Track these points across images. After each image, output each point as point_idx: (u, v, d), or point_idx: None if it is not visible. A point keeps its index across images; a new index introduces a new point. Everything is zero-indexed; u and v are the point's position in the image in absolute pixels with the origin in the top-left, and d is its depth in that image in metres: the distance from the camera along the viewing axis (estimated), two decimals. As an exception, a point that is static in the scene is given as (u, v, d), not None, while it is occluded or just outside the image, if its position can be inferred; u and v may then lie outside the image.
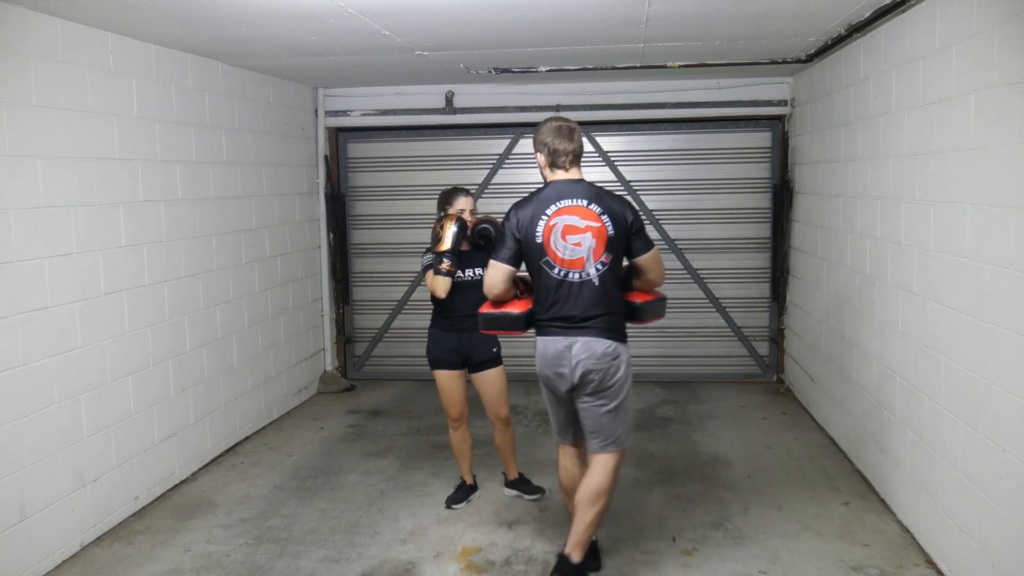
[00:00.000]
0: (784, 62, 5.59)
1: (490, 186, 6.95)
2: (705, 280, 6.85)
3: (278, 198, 6.18)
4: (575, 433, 3.55)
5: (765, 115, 6.67)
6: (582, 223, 3.27)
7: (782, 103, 6.57)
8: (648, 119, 6.75)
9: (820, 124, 5.69)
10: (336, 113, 6.94)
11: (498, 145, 7.02)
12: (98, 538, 4.13)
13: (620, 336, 3.38)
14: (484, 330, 3.57)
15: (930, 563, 3.69)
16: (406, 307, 7.24)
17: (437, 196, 4.28)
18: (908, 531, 3.99)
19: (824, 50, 5.09)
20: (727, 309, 6.93)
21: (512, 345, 7.28)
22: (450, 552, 3.93)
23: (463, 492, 4.50)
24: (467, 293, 4.16)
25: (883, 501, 4.34)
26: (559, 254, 3.28)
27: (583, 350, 3.29)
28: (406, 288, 7.21)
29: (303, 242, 6.64)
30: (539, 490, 4.44)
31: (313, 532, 4.17)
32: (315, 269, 6.89)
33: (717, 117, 6.71)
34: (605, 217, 3.28)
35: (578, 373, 3.30)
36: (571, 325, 3.31)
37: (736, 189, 6.80)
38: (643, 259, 3.38)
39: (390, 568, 3.79)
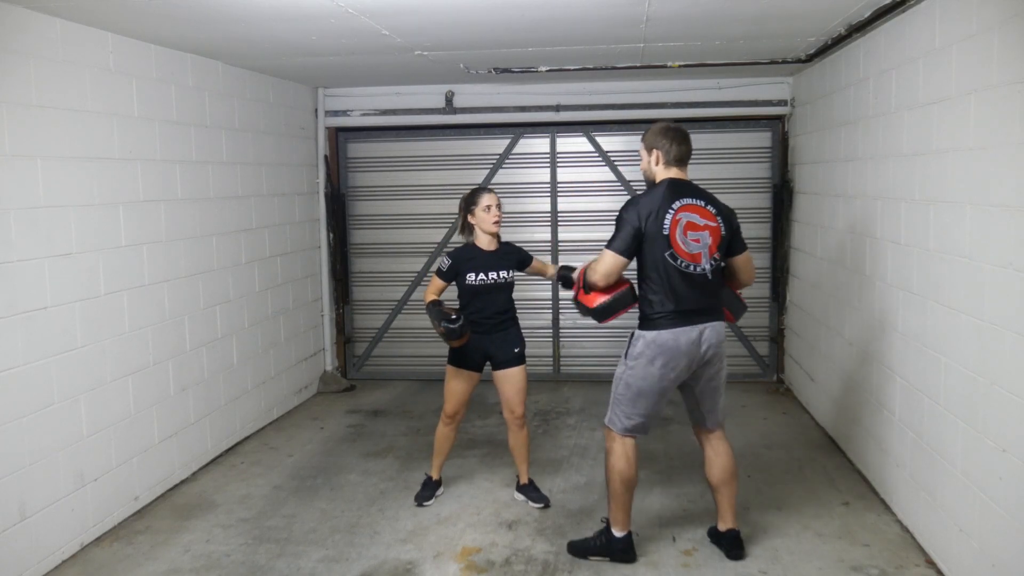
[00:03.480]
0: (784, 62, 5.59)
1: (490, 186, 6.93)
2: (705, 280, 6.85)
3: (278, 198, 6.18)
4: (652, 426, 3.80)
5: (765, 115, 6.67)
6: (701, 221, 3.54)
7: (782, 103, 6.57)
8: (648, 119, 6.73)
9: (820, 124, 5.69)
10: (336, 113, 6.94)
11: (498, 145, 7.02)
12: (98, 538, 4.13)
13: (723, 319, 3.72)
14: (604, 319, 3.71)
15: (930, 563, 3.69)
16: (406, 307, 7.24)
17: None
18: (908, 531, 3.99)
19: (824, 50, 5.09)
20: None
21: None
22: (450, 552, 3.93)
23: (431, 488, 4.53)
24: (494, 295, 4.27)
25: (883, 501, 4.34)
26: (683, 248, 3.50)
27: (712, 335, 3.58)
28: (406, 288, 7.21)
29: (303, 242, 6.64)
30: (544, 499, 4.43)
31: (313, 532, 4.17)
32: (315, 269, 6.89)
33: (717, 117, 6.71)
34: (719, 218, 3.58)
35: (707, 356, 3.59)
36: (696, 313, 3.55)
37: (736, 189, 6.80)
38: (740, 259, 3.71)
39: (390, 568, 3.79)
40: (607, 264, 3.53)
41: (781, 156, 6.70)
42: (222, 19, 4.06)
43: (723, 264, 3.67)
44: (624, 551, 3.76)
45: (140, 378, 4.50)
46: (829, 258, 5.44)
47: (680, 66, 5.66)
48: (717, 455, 3.78)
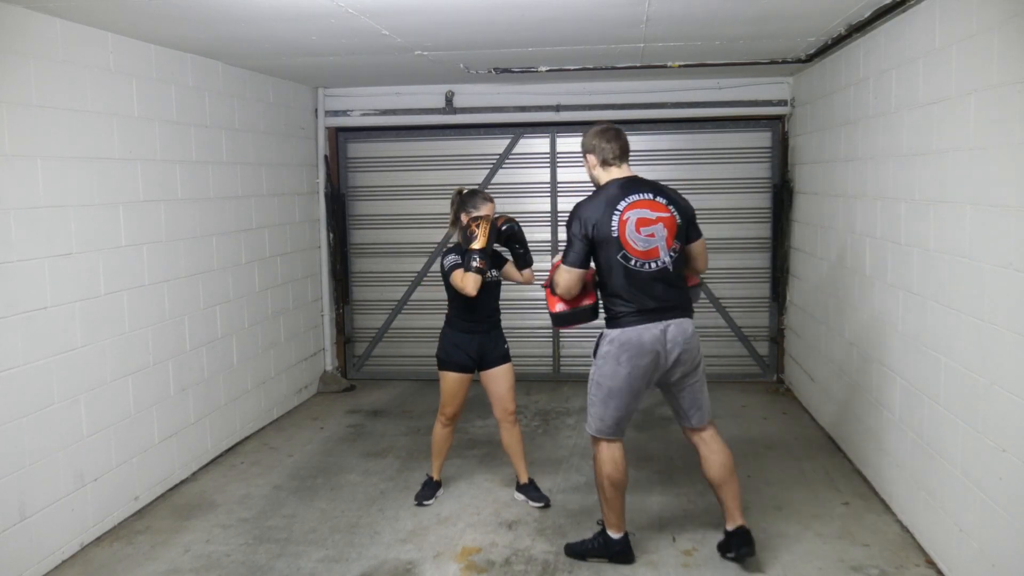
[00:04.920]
0: (784, 62, 5.59)
1: (490, 186, 6.95)
2: (705, 280, 6.85)
3: (278, 198, 6.18)
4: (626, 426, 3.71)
5: (765, 115, 6.67)
6: (653, 215, 3.49)
7: (782, 103, 6.57)
8: (648, 119, 6.75)
9: (820, 124, 5.69)
10: (336, 113, 6.94)
11: (498, 145, 7.02)
12: (98, 538, 4.13)
13: (692, 315, 3.66)
14: (560, 326, 3.75)
15: (930, 563, 3.69)
16: (406, 307, 7.24)
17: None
18: (908, 531, 3.99)
19: (824, 50, 5.09)
20: (727, 309, 6.93)
21: (515, 346, 7.22)
22: (450, 552, 3.93)
23: (431, 488, 4.53)
24: (489, 294, 4.25)
25: (883, 501, 4.34)
26: (635, 246, 3.46)
27: (677, 332, 3.51)
28: (406, 288, 7.22)
29: (303, 242, 6.64)
30: (544, 499, 4.42)
31: (313, 532, 4.17)
32: (315, 269, 6.89)
33: (717, 117, 6.71)
34: (672, 208, 3.54)
35: (674, 354, 3.51)
36: (658, 311, 3.50)
37: (736, 189, 6.80)
38: (695, 245, 3.68)
39: (390, 568, 3.79)
40: (565, 279, 3.53)
41: (781, 156, 6.70)
42: (222, 19, 4.06)
43: (683, 253, 3.62)
44: (622, 552, 3.74)
45: (140, 378, 4.50)
46: (829, 258, 5.44)
47: (680, 66, 5.66)
48: (712, 452, 3.69)
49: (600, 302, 3.65)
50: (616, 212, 3.46)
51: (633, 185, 3.54)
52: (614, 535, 3.74)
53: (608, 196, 3.51)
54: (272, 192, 6.08)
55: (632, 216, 3.46)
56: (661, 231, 3.48)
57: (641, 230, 3.46)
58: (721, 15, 4.19)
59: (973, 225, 3.31)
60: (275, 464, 5.18)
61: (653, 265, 3.48)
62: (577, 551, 3.83)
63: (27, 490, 3.69)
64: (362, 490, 4.71)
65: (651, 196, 3.51)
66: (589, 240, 3.47)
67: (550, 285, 3.66)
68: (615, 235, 3.44)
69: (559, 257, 3.62)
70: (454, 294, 4.23)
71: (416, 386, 7.00)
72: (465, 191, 4.32)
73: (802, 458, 5.08)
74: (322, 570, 3.77)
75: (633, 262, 3.46)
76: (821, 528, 4.08)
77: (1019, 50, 2.96)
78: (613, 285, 3.51)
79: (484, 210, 4.19)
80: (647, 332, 3.47)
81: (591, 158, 3.63)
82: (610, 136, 3.58)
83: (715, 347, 6.95)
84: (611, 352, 3.51)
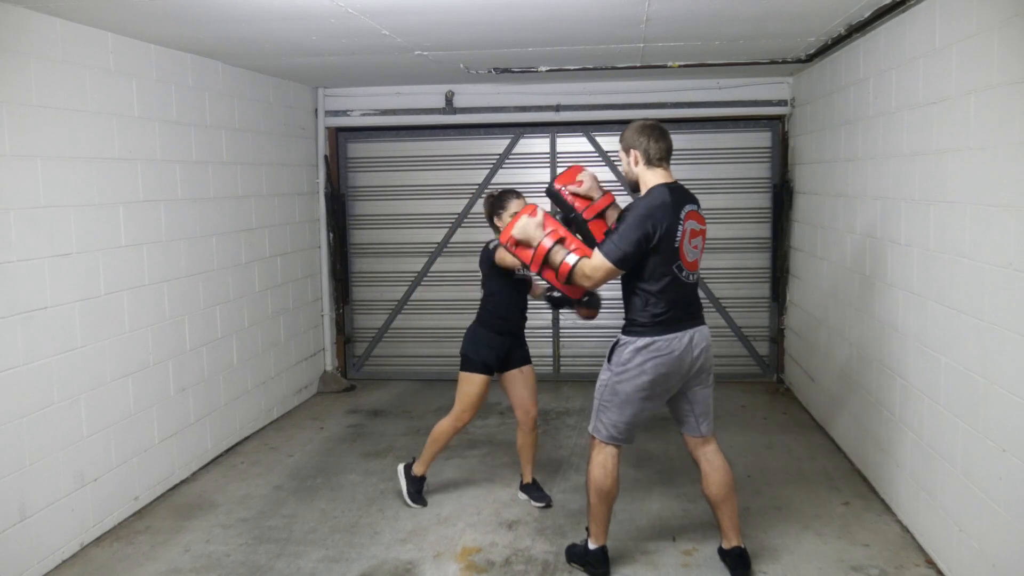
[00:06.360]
0: (784, 62, 5.59)
1: (490, 186, 6.95)
2: (705, 280, 6.85)
3: (278, 198, 6.18)
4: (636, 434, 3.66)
5: (765, 115, 6.67)
6: (699, 227, 3.45)
7: (782, 103, 6.57)
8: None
9: (820, 124, 5.69)
10: (336, 113, 6.94)
11: (498, 145, 7.03)
12: (98, 538, 4.13)
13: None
14: (559, 308, 3.79)
15: (930, 563, 3.69)
16: (406, 307, 7.24)
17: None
18: (908, 531, 3.99)
19: (824, 50, 5.09)
20: (727, 309, 6.93)
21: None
22: (450, 552, 3.93)
23: (419, 482, 4.52)
24: (524, 292, 4.30)
25: (883, 501, 4.34)
26: (687, 258, 3.40)
27: (701, 338, 3.49)
28: (406, 288, 7.21)
29: (303, 242, 6.64)
30: (546, 498, 4.42)
31: (313, 532, 4.17)
32: (315, 269, 6.89)
33: (717, 117, 6.71)
34: (705, 221, 3.52)
35: (700, 360, 3.48)
36: (686, 319, 3.46)
37: (736, 189, 6.80)
38: None
39: (390, 568, 3.79)
40: (603, 273, 3.33)
41: (781, 156, 6.70)
42: (222, 19, 4.06)
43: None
44: (595, 565, 3.65)
45: (140, 378, 4.50)
46: (829, 258, 5.44)
47: (680, 66, 5.67)
48: (714, 470, 3.59)
49: (631, 305, 3.46)
50: (680, 221, 3.32)
51: (683, 193, 3.41)
52: (591, 545, 3.66)
53: (670, 202, 3.31)
54: (272, 192, 6.08)
55: (688, 227, 3.36)
56: (701, 244, 3.46)
57: (692, 241, 3.38)
58: (721, 15, 4.19)
59: (973, 225, 3.30)
60: (275, 464, 5.18)
61: (693, 277, 3.44)
62: (568, 553, 3.81)
63: (27, 490, 3.69)
64: (362, 490, 4.71)
65: (696, 208, 3.43)
66: (652, 242, 3.27)
67: (569, 274, 3.40)
68: (676, 244, 3.31)
69: (571, 250, 3.42)
70: (495, 288, 4.22)
71: (416, 386, 6.99)
72: (497, 192, 4.24)
73: (802, 458, 5.08)
74: (322, 570, 3.77)
75: (684, 273, 3.37)
76: (821, 528, 4.08)
77: (1019, 50, 2.96)
78: (656, 292, 3.35)
79: (514, 208, 4.10)
80: (676, 341, 3.38)
81: (634, 155, 3.42)
82: (657, 135, 3.41)
83: (715, 347, 6.82)
84: (635, 360, 3.39)
